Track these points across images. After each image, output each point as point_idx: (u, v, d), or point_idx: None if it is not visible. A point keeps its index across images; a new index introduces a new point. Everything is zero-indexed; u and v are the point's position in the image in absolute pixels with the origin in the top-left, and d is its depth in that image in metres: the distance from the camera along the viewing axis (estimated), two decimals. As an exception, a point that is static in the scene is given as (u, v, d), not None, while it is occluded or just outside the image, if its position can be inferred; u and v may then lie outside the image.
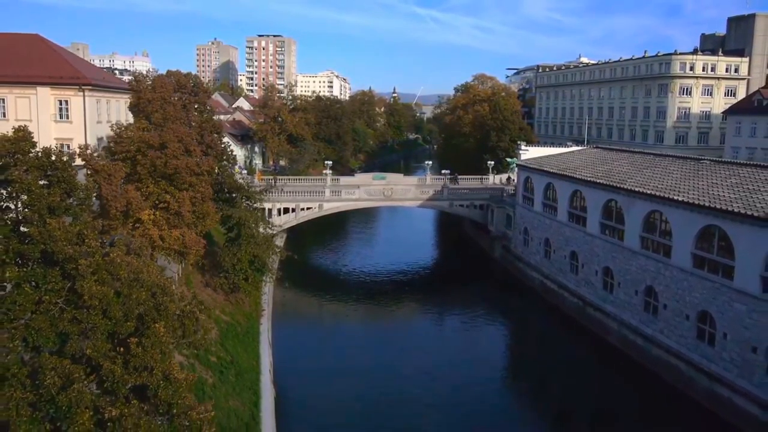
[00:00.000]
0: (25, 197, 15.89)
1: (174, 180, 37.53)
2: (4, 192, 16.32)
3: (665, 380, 43.08)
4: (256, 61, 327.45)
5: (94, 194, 24.27)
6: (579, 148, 77.09)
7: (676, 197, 43.30)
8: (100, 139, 54.55)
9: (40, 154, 16.70)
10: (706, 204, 40.24)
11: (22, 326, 14.92)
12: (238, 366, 36.84)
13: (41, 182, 16.06)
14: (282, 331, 51.81)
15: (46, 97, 54.32)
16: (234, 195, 49.36)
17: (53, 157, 16.99)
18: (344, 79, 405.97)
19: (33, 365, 15.03)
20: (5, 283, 16.31)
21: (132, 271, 16.33)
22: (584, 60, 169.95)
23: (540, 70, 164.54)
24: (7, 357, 14.57)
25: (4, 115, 54.26)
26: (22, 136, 16.50)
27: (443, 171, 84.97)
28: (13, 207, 16.41)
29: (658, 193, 45.35)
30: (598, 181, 53.75)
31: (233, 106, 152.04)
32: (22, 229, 15.95)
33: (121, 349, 15.38)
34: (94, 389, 15.57)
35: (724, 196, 41.11)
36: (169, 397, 15.29)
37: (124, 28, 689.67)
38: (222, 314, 43.38)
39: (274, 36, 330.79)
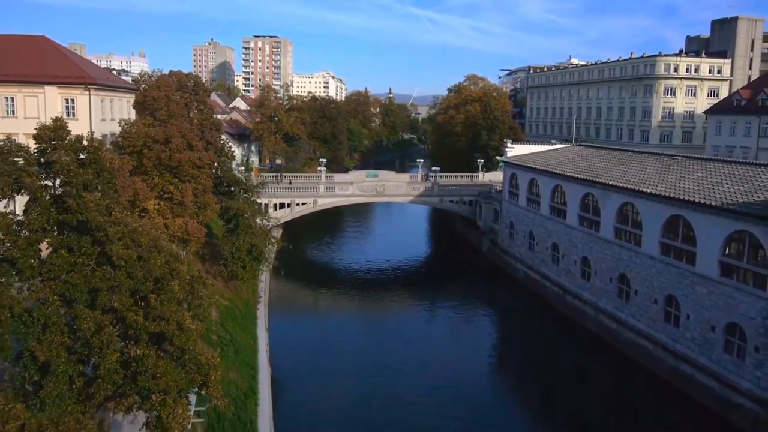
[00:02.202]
0: (63, 176, 18.77)
1: (177, 172, 40.45)
2: (44, 172, 19.26)
3: (636, 361, 46.16)
4: (252, 61, 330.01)
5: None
6: (563, 145, 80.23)
7: (645, 189, 46.45)
8: (104, 136, 57.34)
9: (74, 139, 19.67)
10: (671, 195, 43.39)
11: (60, 283, 17.83)
12: (237, 344, 39.78)
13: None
14: (278, 317, 54.74)
15: (53, 95, 56.98)
16: (232, 188, 52.24)
17: (85, 142, 19.97)
18: (340, 80, 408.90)
19: (68, 316, 17.92)
20: (41, 251, 19.24)
21: (151, 239, 19.32)
22: (574, 61, 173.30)
23: (531, 71, 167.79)
24: (48, 309, 17.46)
25: (14, 113, 56.96)
26: (60, 125, 19.43)
27: (433, 168, 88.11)
28: (51, 184, 19.35)
29: (629, 186, 48.51)
30: (576, 175, 56.91)
31: (230, 106, 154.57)
32: (58, 203, 18.86)
33: (142, 303, 18.35)
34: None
35: (688, 188, 44.26)
36: (183, 343, 18.27)
37: (121, 28, 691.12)
38: (222, 299, 46.22)
39: (271, 37, 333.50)
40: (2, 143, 18.33)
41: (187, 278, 19.71)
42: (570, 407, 41.49)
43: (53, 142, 18.83)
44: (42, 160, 19.01)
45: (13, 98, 57.04)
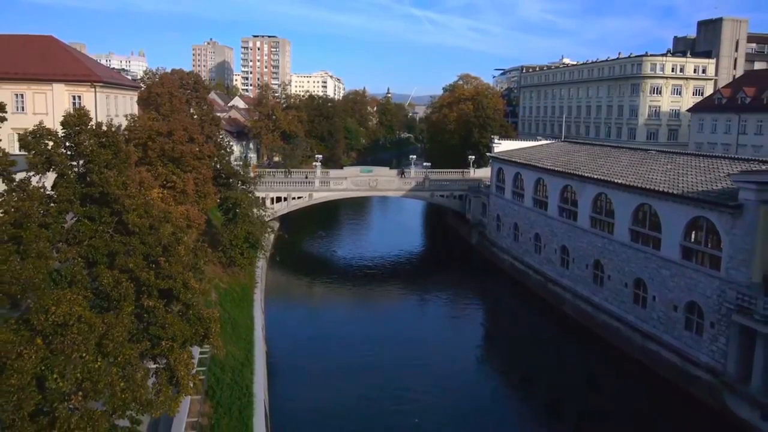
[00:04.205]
0: (87, 156, 21.86)
1: (180, 163, 43.60)
2: (70, 153, 22.35)
3: (609, 341, 49.33)
4: (251, 61, 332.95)
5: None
6: (547, 141, 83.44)
7: (616, 180, 49.69)
8: (109, 131, 60.41)
9: (94, 126, 22.81)
10: (638, 185, 46.63)
11: (84, 247, 20.92)
12: (234, 322, 42.92)
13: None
14: (273, 301, 57.95)
15: (61, 92, 60.11)
16: (230, 180, 55.38)
17: (104, 128, 23.12)
18: (338, 80, 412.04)
19: (90, 277, 20.98)
20: (65, 223, 22.37)
21: (161, 211, 22.42)
22: (566, 61, 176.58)
23: (524, 71, 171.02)
24: (73, 268, 20.52)
25: (23, 109, 60.06)
26: (83, 113, 22.56)
27: (424, 164, 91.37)
28: (76, 163, 22.45)
29: (603, 178, 51.73)
30: (556, 169, 60.14)
31: (229, 105, 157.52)
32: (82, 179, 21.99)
33: (153, 265, 21.47)
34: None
35: (656, 179, 47.50)
36: (187, 299, 21.41)
37: (120, 28, 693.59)
38: (220, 282, 49.35)
39: (269, 37, 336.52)
40: (36, 128, 21.45)
41: (191, 247, 22.85)
42: (548, 386, 44.29)
43: (77, 128, 22.00)
44: (68, 143, 22.19)
45: (22, 95, 60.12)
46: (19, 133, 63.70)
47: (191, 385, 21.43)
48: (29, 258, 14.83)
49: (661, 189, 44.21)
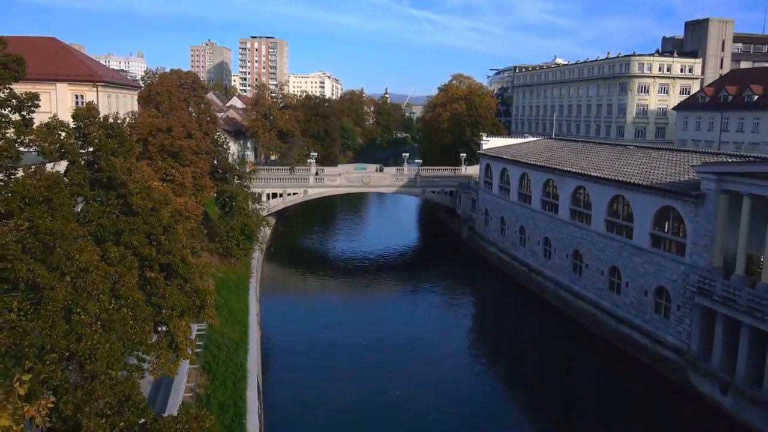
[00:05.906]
0: (95, 145, 24.47)
1: (178, 158, 46.21)
2: (80, 142, 24.94)
3: (587, 327, 51.93)
4: (249, 62, 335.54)
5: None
6: (534, 139, 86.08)
7: (593, 173, 52.32)
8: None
9: (102, 118, 25.39)
10: (612, 177, 49.27)
11: (93, 226, 23.49)
12: (230, 307, 45.50)
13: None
14: (268, 291, 60.47)
15: (64, 92, 62.52)
16: (227, 175, 57.97)
17: (111, 120, 25.72)
18: (336, 80, 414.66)
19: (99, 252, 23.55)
20: (76, 205, 24.97)
21: (161, 194, 24.99)
22: (559, 61, 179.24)
23: (518, 71, 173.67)
24: (84, 245, 23.03)
25: (28, 108, 62.55)
26: (92, 107, 25.14)
27: (416, 161, 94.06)
28: (86, 151, 25.02)
29: (581, 171, 54.35)
30: (539, 164, 62.77)
31: (227, 105, 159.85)
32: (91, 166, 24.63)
33: (155, 243, 24.07)
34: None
35: (629, 172, 50.12)
36: (185, 273, 23.99)
37: (119, 29, 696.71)
38: (217, 272, 51.91)
39: (267, 38, 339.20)
40: (50, 120, 24.01)
41: (189, 228, 25.44)
42: (530, 369, 46.94)
43: (87, 120, 24.58)
44: (78, 134, 24.78)
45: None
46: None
47: (189, 351, 24.01)
48: (58, 218, 17.41)
49: (632, 181, 46.83)
